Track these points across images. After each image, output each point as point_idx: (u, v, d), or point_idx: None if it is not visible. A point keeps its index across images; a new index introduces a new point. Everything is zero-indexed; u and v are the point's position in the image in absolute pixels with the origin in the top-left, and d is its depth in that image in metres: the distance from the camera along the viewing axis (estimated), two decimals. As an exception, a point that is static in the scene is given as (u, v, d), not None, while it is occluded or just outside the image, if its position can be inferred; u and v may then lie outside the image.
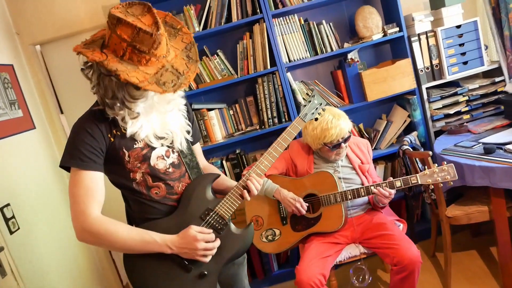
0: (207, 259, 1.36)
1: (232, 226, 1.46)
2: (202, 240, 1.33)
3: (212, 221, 1.41)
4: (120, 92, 1.23)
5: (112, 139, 1.31)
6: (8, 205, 2.21)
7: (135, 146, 1.34)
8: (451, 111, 2.71)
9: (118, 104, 1.25)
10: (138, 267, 1.37)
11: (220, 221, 1.41)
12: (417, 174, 1.95)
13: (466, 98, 2.71)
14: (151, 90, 1.18)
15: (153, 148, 1.37)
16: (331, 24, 2.76)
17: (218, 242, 1.39)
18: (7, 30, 2.70)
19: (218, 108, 2.85)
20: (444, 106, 2.74)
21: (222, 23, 2.67)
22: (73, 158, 1.27)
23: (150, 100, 1.30)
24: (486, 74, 2.87)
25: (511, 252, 2.11)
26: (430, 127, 2.77)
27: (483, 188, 2.25)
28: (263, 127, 2.81)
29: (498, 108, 2.73)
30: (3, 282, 2.06)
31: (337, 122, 2.10)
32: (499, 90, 2.71)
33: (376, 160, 2.84)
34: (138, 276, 1.37)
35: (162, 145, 1.39)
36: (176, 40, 1.32)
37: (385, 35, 2.71)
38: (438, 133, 2.78)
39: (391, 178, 2.03)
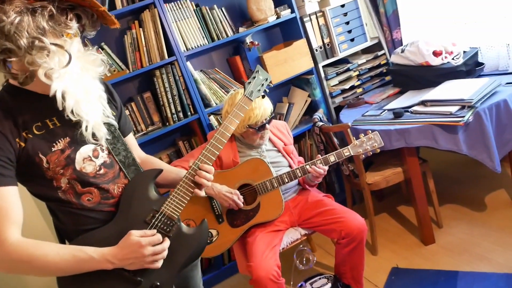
0: (159, 264, 1.18)
1: (184, 227, 1.30)
2: (148, 245, 1.14)
3: (160, 224, 1.22)
4: (47, 22, 1.02)
5: (22, 144, 1.08)
6: None
7: (53, 149, 1.11)
8: (347, 86, 2.86)
9: (41, 44, 1.00)
10: None
11: (169, 222, 1.23)
12: (348, 146, 1.96)
13: (357, 72, 2.89)
14: None
15: (77, 149, 1.14)
16: (223, 8, 2.63)
17: (167, 242, 1.20)
18: None
19: (111, 110, 2.47)
20: (340, 82, 2.87)
21: (104, 11, 2.32)
22: None
23: (74, 44, 1.11)
24: (365, 50, 3.10)
25: (427, 205, 2.31)
26: (330, 104, 2.87)
27: (390, 152, 2.42)
28: (167, 124, 2.55)
29: (383, 80, 2.98)
30: None
31: (260, 101, 2.00)
32: (382, 63, 2.96)
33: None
34: None
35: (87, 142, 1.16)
36: None
37: (278, 17, 2.70)
38: (337, 109, 2.90)
39: (319, 156, 2.01)
